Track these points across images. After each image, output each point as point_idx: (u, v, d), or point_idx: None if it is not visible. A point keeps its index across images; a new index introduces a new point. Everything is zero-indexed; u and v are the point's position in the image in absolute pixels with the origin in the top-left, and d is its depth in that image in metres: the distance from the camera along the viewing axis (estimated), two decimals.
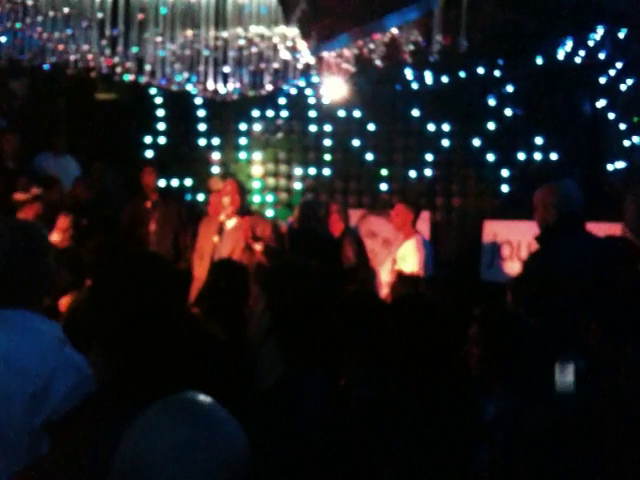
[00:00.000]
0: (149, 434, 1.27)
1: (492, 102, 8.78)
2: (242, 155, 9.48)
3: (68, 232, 6.27)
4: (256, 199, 9.31)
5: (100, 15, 6.45)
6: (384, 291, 7.13)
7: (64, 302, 4.81)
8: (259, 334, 3.17)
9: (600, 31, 8.57)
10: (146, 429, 1.29)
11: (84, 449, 1.79)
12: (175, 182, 9.29)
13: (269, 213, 9.19)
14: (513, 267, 7.94)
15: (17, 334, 2.27)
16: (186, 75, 7.48)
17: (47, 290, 2.50)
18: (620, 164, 8.43)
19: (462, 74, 8.80)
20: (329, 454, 2.24)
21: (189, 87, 7.94)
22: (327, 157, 9.30)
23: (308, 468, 2.21)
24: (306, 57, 7.17)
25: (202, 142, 9.48)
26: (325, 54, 6.79)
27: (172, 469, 1.23)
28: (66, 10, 6.50)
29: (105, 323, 1.99)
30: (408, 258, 7.01)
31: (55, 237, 6.13)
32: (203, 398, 1.35)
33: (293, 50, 7.26)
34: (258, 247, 6.22)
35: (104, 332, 2.00)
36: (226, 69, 7.36)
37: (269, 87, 7.67)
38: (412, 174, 9.04)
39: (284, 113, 9.35)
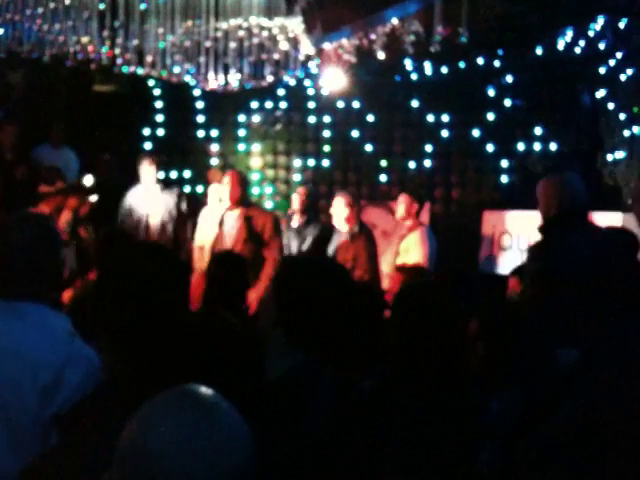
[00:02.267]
0: (152, 425, 1.28)
1: (492, 93, 8.78)
2: (241, 147, 9.47)
3: (77, 212, 6.37)
4: (255, 191, 9.30)
5: (101, 7, 6.45)
6: (384, 283, 7.13)
7: (67, 294, 4.82)
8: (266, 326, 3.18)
9: (600, 21, 8.56)
10: (149, 420, 1.30)
11: (92, 442, 1.79)
12: (174, 174, 9.28)
13: (268, 205, 9.19)
14: (512, 258, 7.93)
15: (29, 326, 2.30)
16: (185, 66, 7.46)
17: (57, 282, 2.52)
18: (620, 154, 8.44)
19: (462, 65, 8.79)
20: (334, 448, 2.25)
21: (188, 78, 7.92)
22: (326, 148, 9.30)
23: (314, 461, 2.22)
24: (306, 48, 7.16)
25: (201, 134, 9.47)
26: (326, 45, 6.78)
27: (175, 460, 1.24)
28: (67, 1, 6.48)
29: (111, 315, 1.99)
30: (412, 250, 6.94)
31: (65, 216, 6.24)
32: (204, 390, 1.36)
33: (294, 41, 7.25)
34: None
35: (110, 324, 2.01)
36: (226, 60, 7.35)
37: (270, 78, 7.66)
38: (411, 165, 9.05)
39: (283, 104, 9.34)
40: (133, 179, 7.63)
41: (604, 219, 6.77)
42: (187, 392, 1.36)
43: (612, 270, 2.66)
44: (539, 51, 8.65)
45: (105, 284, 2.04)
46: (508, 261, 7.92)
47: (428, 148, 8.99)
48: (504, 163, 8.73)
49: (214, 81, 7.41)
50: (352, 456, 2.30)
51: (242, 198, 6.75)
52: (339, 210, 6.91)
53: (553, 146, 8.55)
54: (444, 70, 8.88)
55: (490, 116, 8.74)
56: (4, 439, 2.20)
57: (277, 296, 2.39)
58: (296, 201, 7.56)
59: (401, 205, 7.22)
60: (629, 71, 8.48)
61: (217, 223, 6.73)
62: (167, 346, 1.97)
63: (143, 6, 6.44)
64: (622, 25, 8.55)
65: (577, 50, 8.59)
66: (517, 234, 8.12)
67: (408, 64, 8.90)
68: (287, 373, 2.28)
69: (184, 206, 7.50)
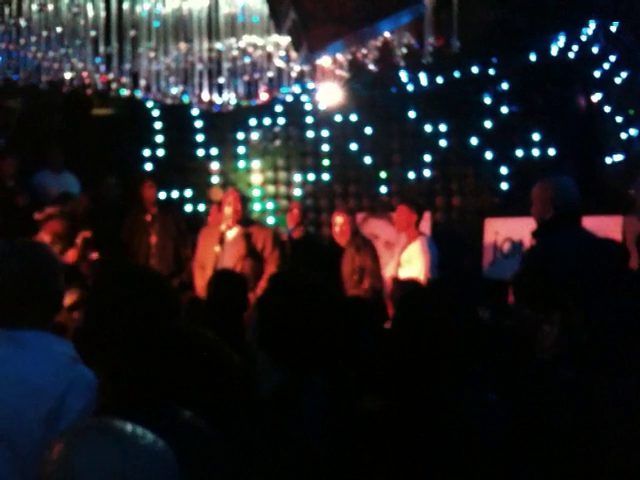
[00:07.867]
0: (76, 460, 1.30)
1: (488, 100, 8.79)
2: (241, 164, 9.51)
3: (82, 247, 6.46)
4: (256, 207, 9.33)
5: (93, 33, 6.51)
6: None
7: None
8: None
9: (592, 25, 8.58)
10: (73, 455, 1.31)
11: None
12: (175, 193, 9.32)
13: (270, 221, 9.21)
14: (516, 264, 7.91)
15: (31, 354, 2.31)
16: (181, 87, 7.51)
17: (57, 309, 2.54)
18: (618, 157, 8.44)
19: (456, 74, 8.82)
20: (330, 464, 2.24)
21: (185, 99, 7.97)
22: (325, 162, 9.32)
23: (309, 476, 2.21)
24: (300, 64, 7.20)
25: (200, 153, 9.51)
26: (319, 61, 6.81)
27: None
28: (59, 30, 6.55)
29: (99, 339, 2.01)
30: (414, 261, 6.99)
31: (73, 252, 6.33)
32: (126, 424, 1.38)
33: (287, 58, 7.29)
34: None
35: (100, 348, 2.03)
36: (221, 80, 7.39)
37: (264, 96, 7.70)
38: (411, 175, 9.06)
39: (281, 120, 9.38)
40: (133, 200, 7.68)
41: (605, 223, 6.77)
42: (110, 426, 1.37)
43: (599, 277, 2.67)
44: (533, 57, 8.67)
45: (92, 309, 2.07)
46: (512, 267, 7.89)
47: (427, 158, 9.00)
48: (503, 170, 8.73)
49: (210, 100, 7.45)
50: (352, 469, 2.30)
51: (242, 217, 6.79)
52: (338, 224, 7.06)
53: (551, 151, 8.55)
54: (439, 80, 8.90)
55: (487, 123, 8.75)
56: (9, 467, 2.20)
57: (259, 315, 2.39)
58: (291, 218, 7.78)
59: (399, 217, 7.32)
60: (623, 74, 8.50)
61: (217, 242, 6.76)
62: (156, 371, 1.99)
63: (132, 32, 6.49)
64: (614, 28, 8.58)
65: (570, 55, 8.61)
66: (519, 240, 8.11)
67: (403, 75, 8.94)
68: (278, 390, 2.28)
69: (183, 226, 7.54)
